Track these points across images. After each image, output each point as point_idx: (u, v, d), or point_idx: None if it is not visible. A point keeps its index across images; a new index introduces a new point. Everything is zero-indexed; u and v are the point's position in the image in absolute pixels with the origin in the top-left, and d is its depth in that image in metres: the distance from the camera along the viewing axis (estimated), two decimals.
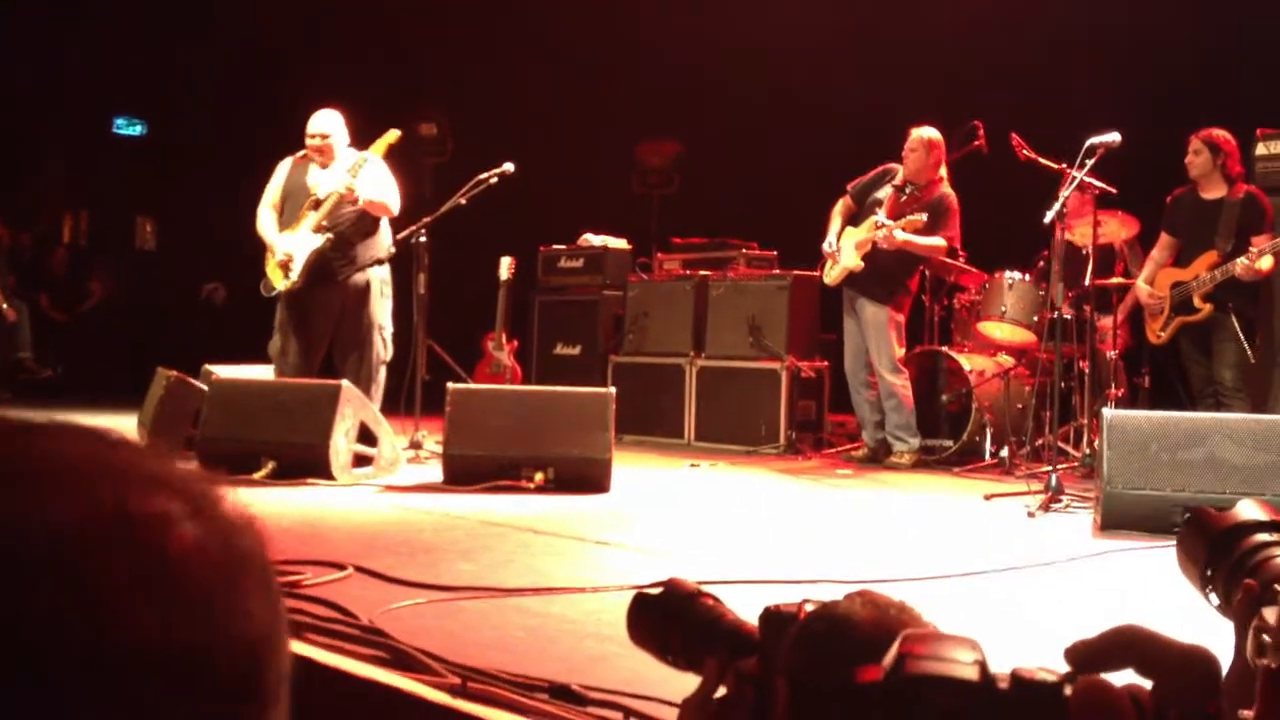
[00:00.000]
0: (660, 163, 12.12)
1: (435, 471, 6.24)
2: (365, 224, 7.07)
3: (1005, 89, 9.17)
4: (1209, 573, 1.01)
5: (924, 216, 7.20)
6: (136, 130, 14.93)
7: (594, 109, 11.74)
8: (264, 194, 7.23)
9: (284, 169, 7.25)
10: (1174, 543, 3.95)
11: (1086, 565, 4.46)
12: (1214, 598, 1.01)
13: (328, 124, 7.14)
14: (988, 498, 6.01)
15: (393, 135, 7.19)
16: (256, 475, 5.89)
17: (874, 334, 7.55)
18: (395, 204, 7.11)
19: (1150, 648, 0.69)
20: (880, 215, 7.40)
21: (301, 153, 7.22)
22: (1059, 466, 5.89)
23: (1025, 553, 4.66)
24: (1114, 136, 6.06)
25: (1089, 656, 0.71)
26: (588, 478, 6.00)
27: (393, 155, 7.20)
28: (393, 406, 7.22)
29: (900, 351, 7.57)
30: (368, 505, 5.45)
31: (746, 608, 1.04)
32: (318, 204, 6.99)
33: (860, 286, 7.59)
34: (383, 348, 7.10)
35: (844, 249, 7.58)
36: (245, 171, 8.43)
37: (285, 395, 6.42)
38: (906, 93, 9.15)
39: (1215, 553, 1.03)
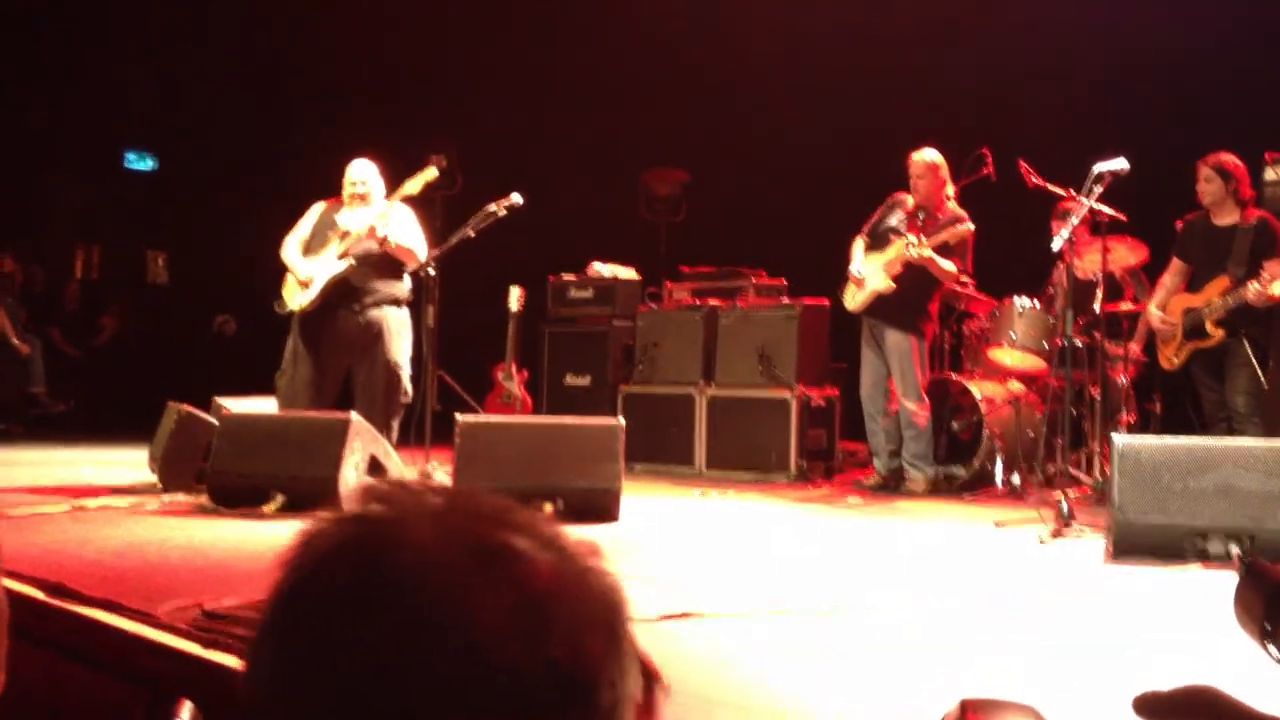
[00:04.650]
0: (668, 191, 12.12)
1: None
2: (388, 261, 7.10)
3: (1012, 114, 9.18)
4: (1269, 626, 0.99)
5: (969, 226, 7.24)
6: (147, 164, 15.01)
7: (601, 138, 11.77)
8: (294, 229, 7.29)
9: (316, 211, 7.31)
10: (1186, 570, 3.94)
11: (1098, 594, 4.44)
12: (1274, 650, 0.99)
13: (367, 173, 7.22)
14: (999, 525, 5.98)
15: (431, 173, 7.22)
16: (266, 509, 5.89)
17: (899, 361, 7.54)
18: (422, 253, 7.16)
19: (1228, 712, 0.70)
20: (910, 236, 7.40)
21: (334, 198, 7.29)
22: (1070, 494, 5.86)
23: (1037, 581, 4.65)
24: (1121, 164, 6.05)
25: (1160, 707, 0.72)
26: (598, 507, 6.00)
27: (424, 194, 7.27)
28: (403, 437, 7.23)
29: (924, 379, 7.56)
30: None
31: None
32: (345, 235, 7.06)
33: (884, 314, 7.57)
34: (398, 390, 7.11)
35: (869, 273, 7.57)
36: (256, 204, 8.50)
37: (295, 429, 6.42)
38: (914, 118, 9.17)
39: (1275, 605, 1.00)
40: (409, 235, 7.17)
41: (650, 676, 1.12)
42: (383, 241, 6.97)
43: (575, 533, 0.86)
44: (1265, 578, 0.98)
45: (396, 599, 0.75)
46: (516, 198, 7.35)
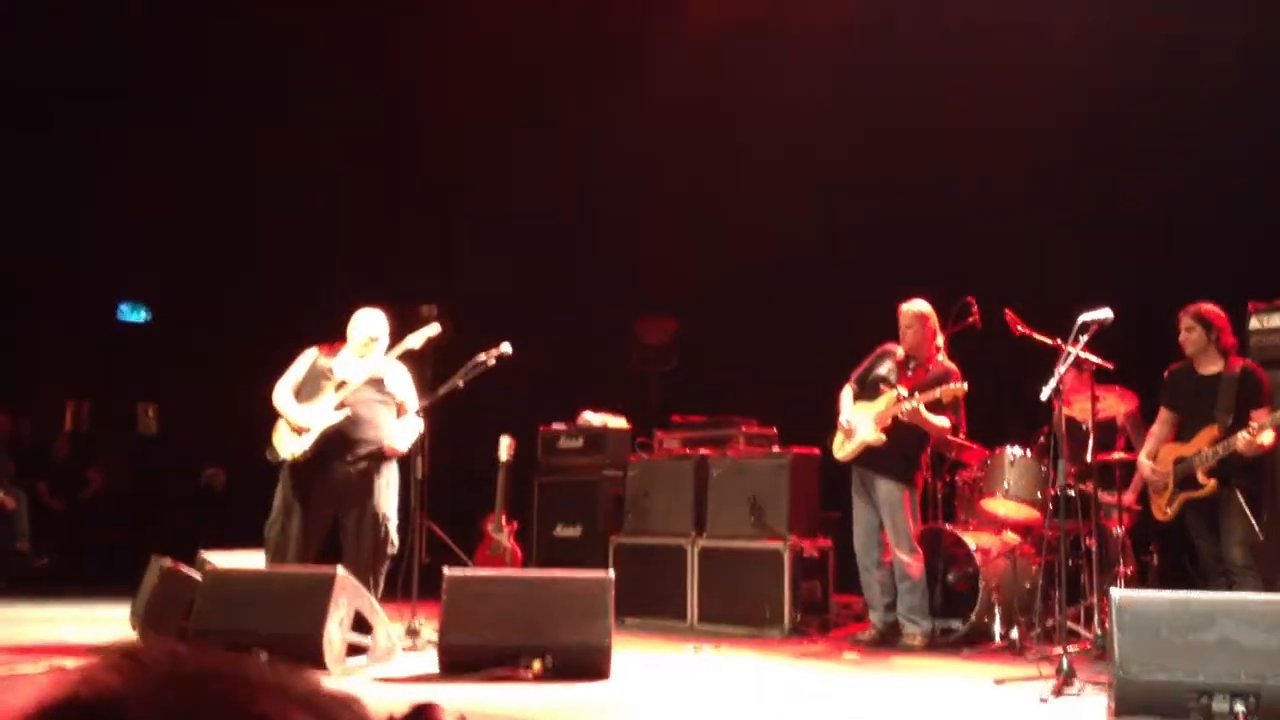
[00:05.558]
0: (659, 340, 12.19)
1: (432, 660, 6.10)
2: (384, 413, 7.08)
3: (999, 261, 9.30)
4: None
5: (961, 385, 7.19)
6: (140, 316, 15.08)
7: (591, 287, 11.87)
8: (285, 374, 7.22)
9: (309, 357, 7.25)
10: None
11: None
12: None
13: (377, 328, 7.18)
14: (998, 682, 5.86)
15: (434, 329, 7.21)
16: None
17: (890, 512, 7.45)
18: (417, 419, 7.16)
19: None
20: (901, 389, 7.35)
21: (328, 345, 7.26)
22: (1070, 649, 5.75)
23: None
24: (1106, 313, 6.07)
25: None
26: (588, 665, 5.89)
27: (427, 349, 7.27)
28: (390, 590, 7.11)
29: (916, 529, 7.48)
30: (360, 699, 5.30)
31: None
32: (341, 385, 7.02)
33: (875, 464, 7.50)
34: (386, 542, 7.02)
35: (860, 424, 7.53)
36: (247, 355, 8.52)
37: (279, 584, 6.31)
38: (901, 266, 9.28)
39: None
40: (404, 393, 7.20)
41: None
42: (379, 381, 7.05)
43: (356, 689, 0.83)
44: None
45: None
46: (506, 348, 7.36)
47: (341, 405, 6.96)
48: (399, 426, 7.11)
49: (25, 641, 6.82)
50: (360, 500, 6.98)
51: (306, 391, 7.11)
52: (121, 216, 12.95)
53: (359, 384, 7.01)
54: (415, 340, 7.17)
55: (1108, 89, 9.48)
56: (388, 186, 12.71)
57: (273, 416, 7.16)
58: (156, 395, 14.83)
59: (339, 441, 6.97)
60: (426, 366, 10.48)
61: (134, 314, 15.07)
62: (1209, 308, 6.75)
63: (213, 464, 13.49)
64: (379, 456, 7.04)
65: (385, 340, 7.23)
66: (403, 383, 7.24)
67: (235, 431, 10.61)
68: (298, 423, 6.97)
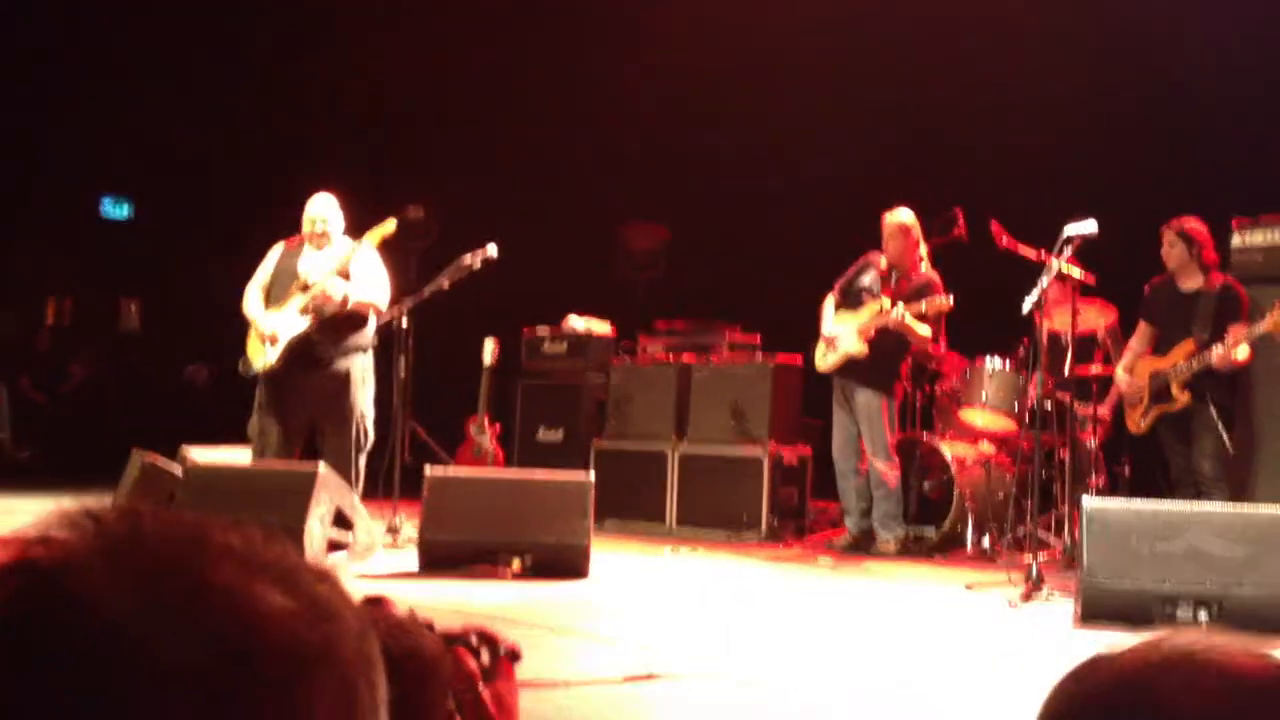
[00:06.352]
0: (647, 245, 12.14)
1: (412, 557, 6.18)
2: (352, 311, 6.98)
3: (985, 173, 9.26)
4: None
5: (945, 299, 7.22)
6: (123, 211, 14.97)
7: (579, 192, 11.81)
8: (254, 275, 7.09)
9: (276, 253, 7.11)
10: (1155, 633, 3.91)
11: (1068, 659, 4.42)
12: None
13: (327, 209, 6.99)
14: (969, 588, 5.96)
15: (389, 226, 6.99)
16: None
17: (869, 421, 7.52)
18: (385, 300, 6.99)
19: None
20: (885, 300, 7.37)
21: (294, 237, 7.10)
22: (1040, 557, 5.85)
23: (1007, 646, 4.63)
24: (1091, 226, 6.08)
25: None
26: (566, 564, 5.98)
27: (384, 242, 7.07)
28: (372, 489, 7.15)
29: (893, 438, 7.55)
30: (337, 573, 5.37)
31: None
32: (306, 287, 6.85)
33: (855, 374, 7.55)
34: (363, 435, 7.01)
35: (842, 335, 7.56)
36: (232, 252, 8.48)
37: (260, 480, 6.37)
38: (890, 176, 9.24)
39: None
40: (371, 281, 6.95)
41: (495, 643, 1.05)
42: (343, 303, 6.79)
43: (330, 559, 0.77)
44: None
45: (62, 668, 0.60)
46: (492, 250, 7.32)
47: (306, 309, 6.81)
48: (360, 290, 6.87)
49: (4, 533, 6.85)
50: (337, 400, 6.87)
51: (276, 294, 6.93)
52: (102, 112, 12.79)
53: (324, 282, 6.78)
54: (371, 238, 6.92)
55: None
56: (376, 86, 12.55)
57: (246, 324, 7.03)
58: (139, 291, 14.77)
59: (309, 347, 6.81)
60: (411, 268, 10.46)
61: (117, 209, 14.95)
62: (1191, 223, 6.74)
63: (196, 360, 13.49)
64: (353, 351, 6.90)
65: (338, 223, 7.01)
66: (370, 272, 6.95)
67: (218, 328, 10.60)
68: (266, 330, 6.86)
